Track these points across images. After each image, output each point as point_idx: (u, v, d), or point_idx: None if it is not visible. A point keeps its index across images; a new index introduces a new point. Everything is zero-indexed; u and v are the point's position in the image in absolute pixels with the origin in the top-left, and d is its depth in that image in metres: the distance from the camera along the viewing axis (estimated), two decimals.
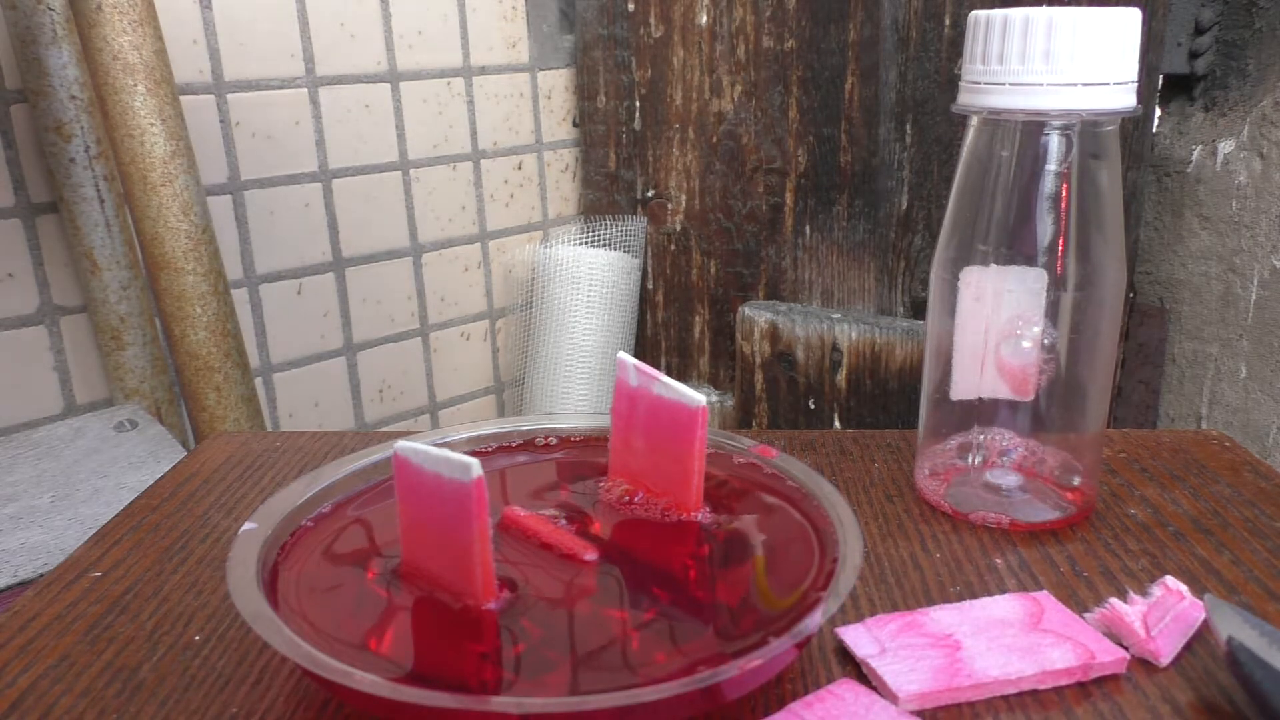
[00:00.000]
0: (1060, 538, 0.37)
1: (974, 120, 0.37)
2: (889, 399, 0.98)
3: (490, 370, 1.15)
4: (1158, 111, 0.93)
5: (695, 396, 0.32)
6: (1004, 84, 0.34)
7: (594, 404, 1.08)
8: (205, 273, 0.80)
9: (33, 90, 0.75)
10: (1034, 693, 0.29)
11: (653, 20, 1.05)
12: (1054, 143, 0.35)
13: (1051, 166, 0.35)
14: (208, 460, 0.46)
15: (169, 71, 0.77)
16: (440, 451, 0.28)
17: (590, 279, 1.06)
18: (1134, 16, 0.34)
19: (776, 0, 0.98)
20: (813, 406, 1.02)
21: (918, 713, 0.28)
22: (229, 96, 0.88)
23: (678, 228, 1.10)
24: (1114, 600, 0.31)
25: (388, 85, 0.98)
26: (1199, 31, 0.88)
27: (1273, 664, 0.26)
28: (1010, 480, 0.39)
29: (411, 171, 1.02)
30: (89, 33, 0.73)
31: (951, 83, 0.92)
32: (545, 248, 1.09)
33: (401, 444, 0.29)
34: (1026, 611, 0.32)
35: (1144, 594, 0.32)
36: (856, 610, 0.33)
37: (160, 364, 0.84)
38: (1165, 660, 0.30)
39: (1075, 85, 0.34)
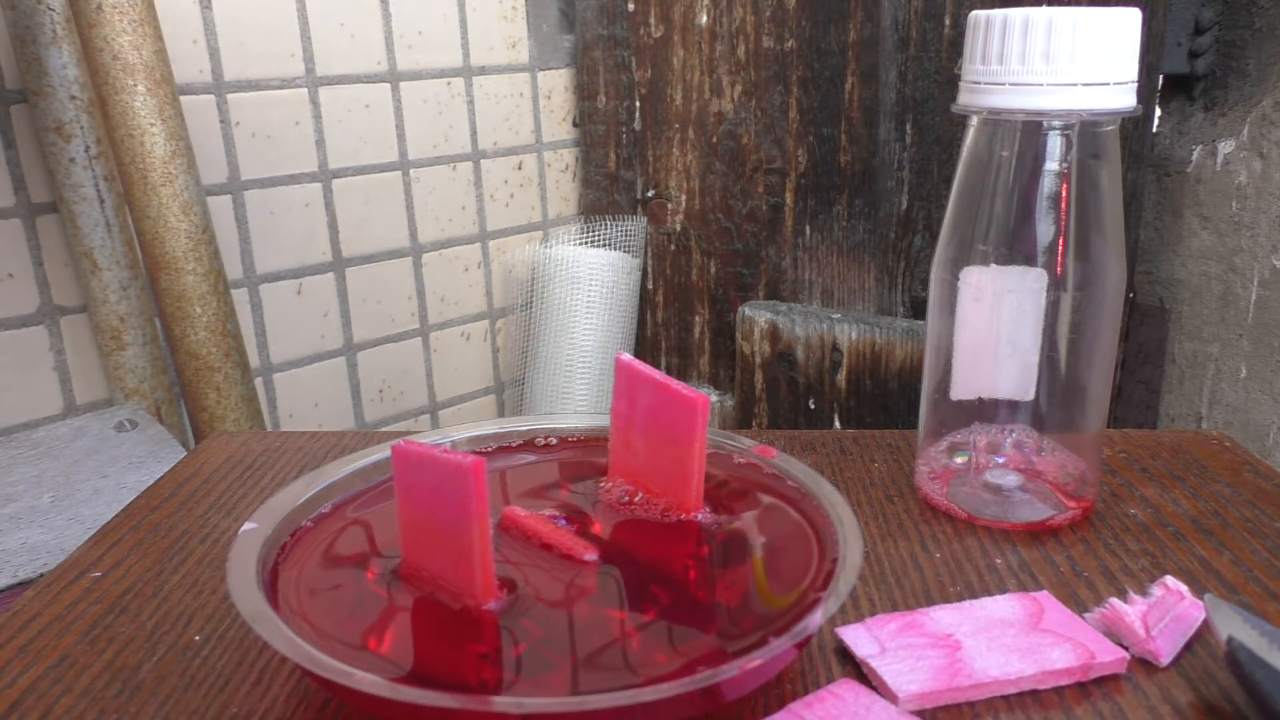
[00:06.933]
0: (1060, 538, 0.37)
1: (974, 120, 0.37)
2: (889, 399, 0.98)
3: (490, 370, 1.15)
4: (1158, 111, 0.93)
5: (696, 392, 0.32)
6: (1004, 84, 0.34)
7: (594, 404, 1.08)
8: (205, 273, 0.80)
9: (33, 90, 0.75)
10: (1034, 693, 0.29)
11: (653, 20, 1.05)
12: (1054, 143, 0.35)
13: (1051, 166, 0.35)
14: (208, 460, 0.46)
15: (169, 71, 0.77)
16: (440, 451, 0.28)
17: (590, 279, 1.06)
18: (1134, 16, 0.34)
19: (776, 0, 0.98)
20: (813, 406, 1.02)
21: (918, 713, 0.28)
22: (229, 96, 0.88)
23: (678, 228, 1.10)
24: (1114, 600, 0.31)
25: (388, 85, 0.98)
26: (1199, 31, 0.88)
27: (1273, 664, 0.26)
28: (1010, 480, 0.39)
29: (411, 171, 1.02)
30: (89, 33, 0.73)
31: (951, 83, 0.92)
32: (545, 248, 1.09)
33: (401, 444, 0.29)
34: (1026, 611, 0.32)
35: (1144, 594, 0.32)
36: (856, 610, 0.33)
37: (160, 364, 0.84)
38: (1165, 660, 0.30)
39: (1075, 85, 0.34)
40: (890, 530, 0.38)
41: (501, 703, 0.24)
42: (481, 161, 1.08)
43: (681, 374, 1.15)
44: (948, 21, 0.90)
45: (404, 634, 0.28)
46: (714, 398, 1.12)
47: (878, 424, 0.99)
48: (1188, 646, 0.31)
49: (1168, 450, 0.45)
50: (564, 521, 0.33)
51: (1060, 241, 0.36)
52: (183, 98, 0.82)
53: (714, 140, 1.05)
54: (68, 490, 0.66)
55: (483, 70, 1.05)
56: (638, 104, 1.08)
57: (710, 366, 1.14)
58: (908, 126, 0.95)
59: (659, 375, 0.33)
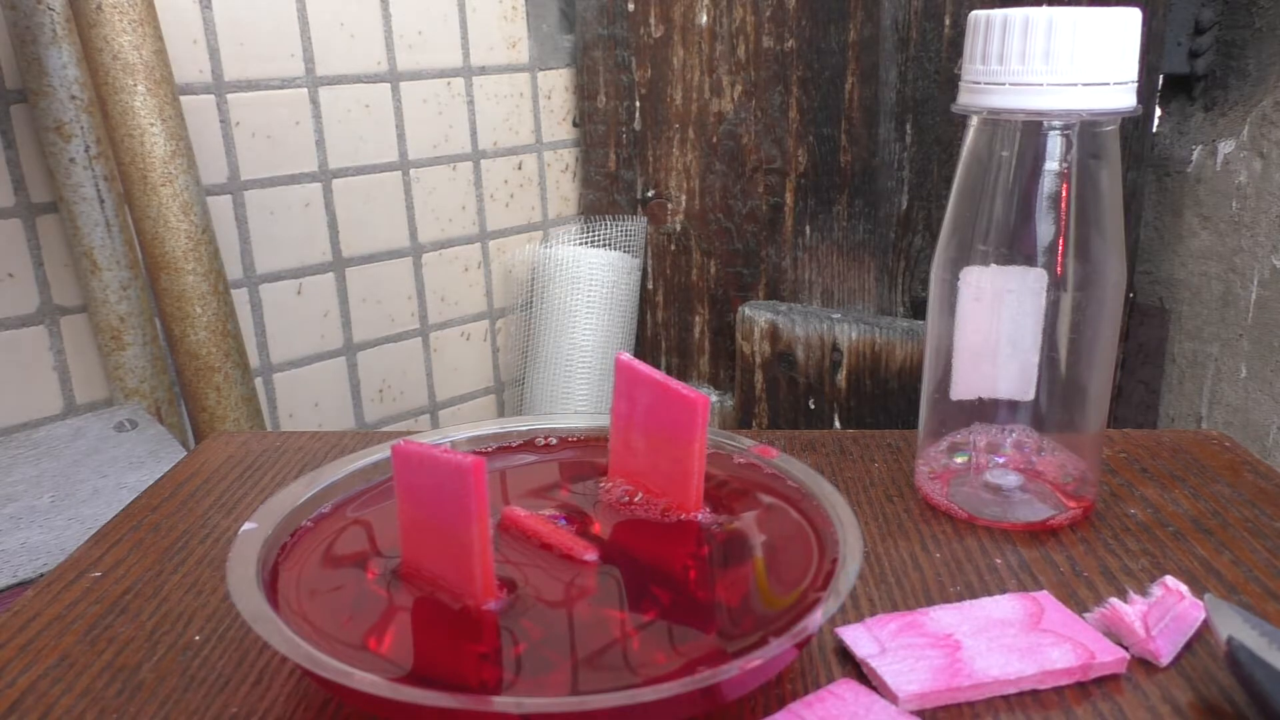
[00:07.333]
0: (1060, 538, 0.37)
1: (974, 120, 0.37)
2: (889, 399, 0.98)
3: (490, 370, 1.15)
4: (1158, 111, 0.93)
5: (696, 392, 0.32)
6: (1004, 84, 0.34)
7: (594, 404, 1.08)
8: (205, 273, 0.80)
9: (33, 90, 0.75)
10: (1034, 693, 0.29)
11: (653, 20, 1.05)
12: (1054, 143, 0.35)
13: (1051, 166, 0.35)
14: (208, 460, 0.46)
15: (169, 71, 0.77)
16: (440, 451, 0.28)
17: (590, 279, 1.06)
18: (1134, 16, 0.34)
19: (776, 0, 0.98)
20: (813, 406, 1.02)
21: (918, 713, 0.28)
22: (229, 96, 0.88)
23: (678, 228, 1.10)
24: (1114, 600, 0.31)
25: (388, 85, 0.99)
26: (1199, 31, 0.88)
27: (1273, 664, 0.26)
28: (1010, 480, 0.39)
29: (411, 171, 1.02)
30: (89, 33, 0.73)
31: (951, 83, 0.92)
32: (545, 248, 1.09)
33: (401, 444, 0.29)
34: (1026, 611, 0.32)
35: (1144, 594, 0.32)
36: (856, 610, 0.33)
37: (160, 364, 0.84)
38: (1165, 660, 0.30)
39: (1075, 85, 0.34)
40: (890, 530, 0.38)
41: (501, 703, 0.24)
42: (481, 161, 1.08)
43: (681, 374, 1.15)
44: (948, 21, 0.90)
45: (404, 634, 0.28)
46: (714, 398, 1.12)
47: (878, 424, 0.99)
48: (1188, 646, 0.31)
49: (1168, 450, 0.45)
50: (564, 521, 0.33)
51: (1060, 241, 0.36)
52: (183, 98, 0.82)
53: (714, 140, 1.05)
54: (68, 490, 0.66)
55: (483, 70, 1.05)
56: (638, 104, 1.08)
57: (710, 366, 1.14)
58: (908, 126, 0.95)
59: (659, 375, 0.33)
